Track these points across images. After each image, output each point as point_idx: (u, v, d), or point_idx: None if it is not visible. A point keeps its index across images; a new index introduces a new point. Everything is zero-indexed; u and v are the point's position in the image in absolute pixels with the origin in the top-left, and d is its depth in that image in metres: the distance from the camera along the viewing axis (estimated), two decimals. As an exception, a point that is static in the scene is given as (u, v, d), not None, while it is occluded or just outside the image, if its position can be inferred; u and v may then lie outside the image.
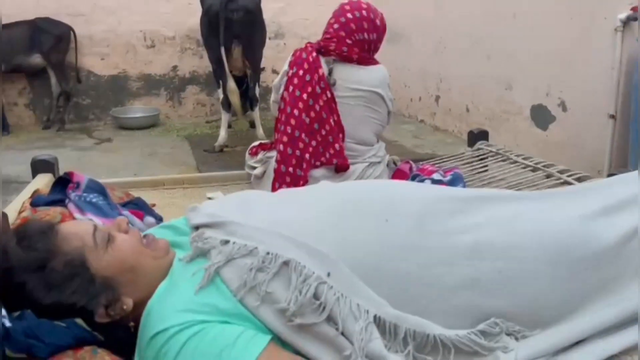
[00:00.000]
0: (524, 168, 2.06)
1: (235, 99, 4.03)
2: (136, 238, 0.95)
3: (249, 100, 4.28)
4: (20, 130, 4.96)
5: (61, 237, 0.87)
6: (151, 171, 3.70)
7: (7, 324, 0.76)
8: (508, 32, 3.58)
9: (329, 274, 0.86)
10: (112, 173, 3.68)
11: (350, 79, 1.88)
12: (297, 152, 1.83)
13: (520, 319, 0.91)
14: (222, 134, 4.17)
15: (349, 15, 1.88)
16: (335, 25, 1.89)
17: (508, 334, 0.89)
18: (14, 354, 0.77)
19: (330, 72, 1.85)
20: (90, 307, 0.84)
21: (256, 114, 4.31)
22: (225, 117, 4.18)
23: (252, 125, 4.59)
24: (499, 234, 0.95)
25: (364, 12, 1.89)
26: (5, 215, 1.24)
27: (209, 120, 5.29)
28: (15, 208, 1.50)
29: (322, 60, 1.86)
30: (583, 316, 0.92)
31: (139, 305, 0.88)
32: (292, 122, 1.84)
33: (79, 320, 0.82)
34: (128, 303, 0.88)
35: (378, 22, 1.91)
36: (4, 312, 0.78)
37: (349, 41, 1.87)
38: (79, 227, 0.93)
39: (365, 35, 1.89)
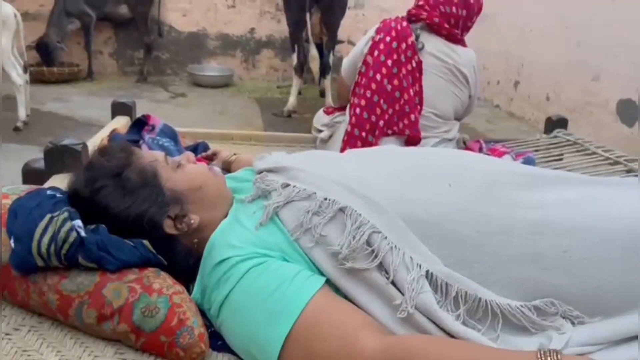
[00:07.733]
0: (603, 160, 1.94)
1: (315, 66, 4.06)
2: (204, 166, 1.03)
3: (321, 67, 4.28)
4: (102, 78, 5.20)
5: (137, 154, 0.96)
6: (221, 128, 3.79)
7: (83, 234, 0.82)
8: (603, 19, 3.35)
9: None
10: (183, 127, 3.79)
11: (438, 49, 1.84)
12: (373, 118, 1.81)
13: (581, 304, 0.86)
14: (292, 99, 4.20)
15: None
16: None
17: (564, 317, 0.85)
18: (86, 262, 0.83)
19: (417, 38, 1.81)
20: (159, 217, 0.89)
21: (328, 82, 4.31)
22: (296, 83, 4.20)
23: (322, 94, 4.59)
24: (567, 214, 0.90)
25: None
26: (85, 146, 1.33)
27: (280, 85, 5.33)
28: (95, 143, 1.58)
29: (412, 27, 1.82)
30: None
31: (203, 229, 0.93)
32: (373, 86, 1.81)
33: (146, 242, 0.86)
34: (195, 219, 0.92)
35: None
36: (80, 223, 0.84)
37: (437, 12, 1.82)
38: (153, 152, 1.05)
39: (454, 9, 1.84)
